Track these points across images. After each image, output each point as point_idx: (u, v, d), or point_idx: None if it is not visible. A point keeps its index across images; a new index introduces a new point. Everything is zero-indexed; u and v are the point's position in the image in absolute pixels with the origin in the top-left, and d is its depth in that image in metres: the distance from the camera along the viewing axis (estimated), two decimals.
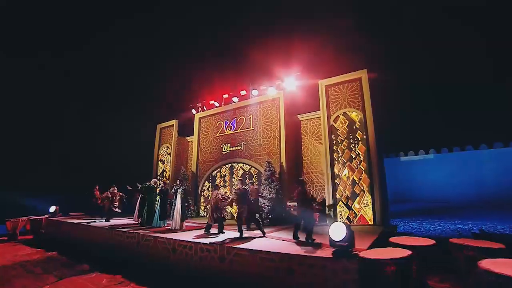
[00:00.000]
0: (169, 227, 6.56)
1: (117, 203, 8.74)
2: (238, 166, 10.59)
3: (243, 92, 11.17)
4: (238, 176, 10.37)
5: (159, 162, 13.52)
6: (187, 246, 4.73)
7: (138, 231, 5.91)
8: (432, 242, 3.64)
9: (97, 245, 6.66)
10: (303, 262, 3.53)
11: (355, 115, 8.23)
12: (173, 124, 13.48)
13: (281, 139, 9.71)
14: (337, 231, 3.44)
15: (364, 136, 7.91)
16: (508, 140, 17.11)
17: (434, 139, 19.34)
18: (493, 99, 17.51)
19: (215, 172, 11.21)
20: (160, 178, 12.78)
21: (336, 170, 8.16)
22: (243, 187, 5.77)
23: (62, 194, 11.87)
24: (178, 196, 6.65)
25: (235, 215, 8.74)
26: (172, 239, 5.05)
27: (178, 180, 6.99)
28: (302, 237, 4.61)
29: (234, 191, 5.76)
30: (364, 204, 7.58)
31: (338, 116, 8.53)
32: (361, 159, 7.83)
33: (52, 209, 9.43)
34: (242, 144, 10.66)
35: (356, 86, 8.48)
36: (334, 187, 8.06)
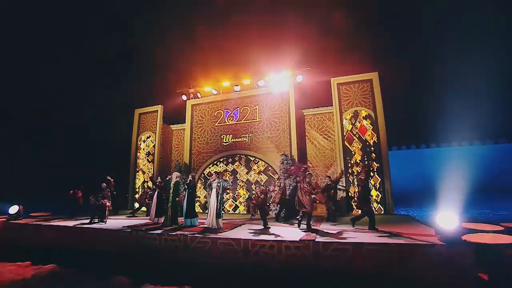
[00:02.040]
0: (205, 226, 5.86)
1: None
2: (242, 170, 10.09)
3: (246, 81, 10.66)
4: (242, 179, 9.89)
5: (138, 152, 11.85)
6: (267, 246, 4.34)
7: (182, 233, 5.11)
8: (501, 228, 4.31)
9: (110, 252, 5.47)
10: (415, 250, 3.70)
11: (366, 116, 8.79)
12: (157, 110, 11.95)
13: (291, 132, 9.70)
14: (447, 219, 3.72)
15: (375, 135, 8.60)
16: (440, 141, 21.02)
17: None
18: (426, 103, 20.84)
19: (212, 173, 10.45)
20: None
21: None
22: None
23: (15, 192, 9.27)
24: (214, 191, 5.99)
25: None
26: (240, 239, 4.55)
27: (214, 174, 6.25)
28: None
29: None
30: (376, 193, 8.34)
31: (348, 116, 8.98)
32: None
33: (14, 209, 7.19)
34: (247, 135, 10.23)
35: (367, 86, 9.09)
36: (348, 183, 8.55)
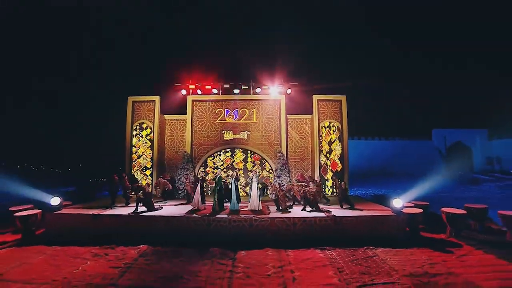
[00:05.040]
0: (246, 209, 8.24)
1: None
2: (240, 155, 12.35)
3: (244, 87, 12.57)
4: (239, 163, 12.21)
5: (133, 139, 12.28)
6: (307, 220, 7.24)
7: (247, 216, 7.43)
8: (412, 204, 8.48)
9: (184, 235, 7.25)
10: (382, 218, 7.33)
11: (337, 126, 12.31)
12: (154, 100, 12.47)
13: (281, 133, 12.49)
14: (398, 203, 7.45)
15: (340, 139, 12.31)
16: (359, 136, 27.82)
17: None
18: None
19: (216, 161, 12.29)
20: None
21: (321, 160, 12.12)
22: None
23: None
24: (255, 183, 8.36)
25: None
26: (291, 217, 7.30)
27: (254, 171, 8.46)
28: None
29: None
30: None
31: (323, 126, 12.30)
32: (337, 153, 12.21)
33: (56, 201, 7.53)
34: (245, 133, 12.41)
35: (338, 105, 12.57)
36: (320, 169, 12.07)
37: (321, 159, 11.92)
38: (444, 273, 5.03)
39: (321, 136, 12.20)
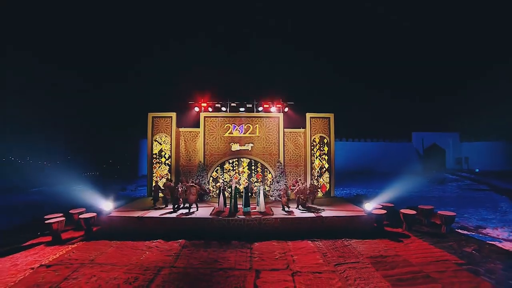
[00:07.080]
0: (255, 210, 10.66)
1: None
2: (245, 163, 14.72)
3: (249, 105, 14.87)
4: (244, 168, 14.59)
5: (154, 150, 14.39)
6: (304, 218, 9.73)
7: (257, 217, 9.84)
8: (381, 206, 11.09)
9: (209, 232, 9.61)
10: (356, 217, 9.91)
11: (325, 140, 14.86)
12: (171, 116, 14.59)
13: (279, 145, 14.90)
14: (369, 206, 10.03)
15: (327, 149, 14.87)
16: (348, 137, 30.53)
17: None
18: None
19: (224, 167, 14.60)
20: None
21: (314, 165, 14.69)
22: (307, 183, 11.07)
23: None
24: (261, 191, 10.78)
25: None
26: (291, 216, 9.77)
27: (260, 183, 10.86)
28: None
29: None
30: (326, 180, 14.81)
31: (315, 138, 14.83)
32: (325, 158, 14.81)
33: (108, 206, 9.74)
34: (249, 145, 14.74)
35: (326, 121, 15.06)
36: (311, 175, 14.65)
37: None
38: (392, 255, 7.65)
39: (313, 147, 14.71)
